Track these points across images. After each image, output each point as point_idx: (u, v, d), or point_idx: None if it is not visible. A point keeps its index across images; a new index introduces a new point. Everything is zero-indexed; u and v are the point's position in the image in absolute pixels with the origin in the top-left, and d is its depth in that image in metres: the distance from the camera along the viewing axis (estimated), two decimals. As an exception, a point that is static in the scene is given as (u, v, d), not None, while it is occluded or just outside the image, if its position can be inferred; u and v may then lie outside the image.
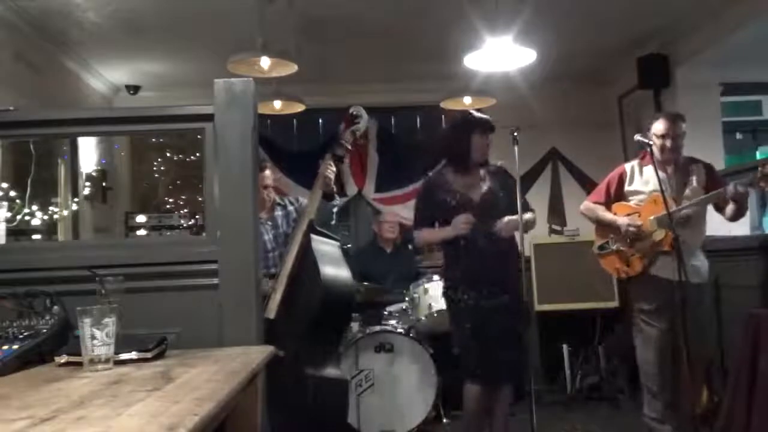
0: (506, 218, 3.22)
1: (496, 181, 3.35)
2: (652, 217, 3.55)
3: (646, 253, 3.55)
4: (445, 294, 3.42)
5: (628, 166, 3.79)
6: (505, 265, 3.27)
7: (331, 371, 2.98)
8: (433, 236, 3.40)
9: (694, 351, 3.31)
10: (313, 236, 3.01)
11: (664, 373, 3.50)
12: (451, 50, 4.50)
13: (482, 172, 3.35)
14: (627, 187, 3.71)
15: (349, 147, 3.20)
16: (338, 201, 3.39)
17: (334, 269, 2.98)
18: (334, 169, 3.17)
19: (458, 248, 3.25)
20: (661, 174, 3.53)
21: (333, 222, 3.37)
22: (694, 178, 3.63)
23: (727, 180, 3.64)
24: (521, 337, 3.36)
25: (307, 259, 2.96)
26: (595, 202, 3.77)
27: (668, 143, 3.55)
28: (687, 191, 3.61)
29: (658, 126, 3.59)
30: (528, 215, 3.37)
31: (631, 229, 3.54)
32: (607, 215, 3.69)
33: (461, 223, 3.21)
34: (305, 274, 2.94)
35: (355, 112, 3.18)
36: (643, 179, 3.68)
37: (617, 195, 3.72)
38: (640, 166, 3.72)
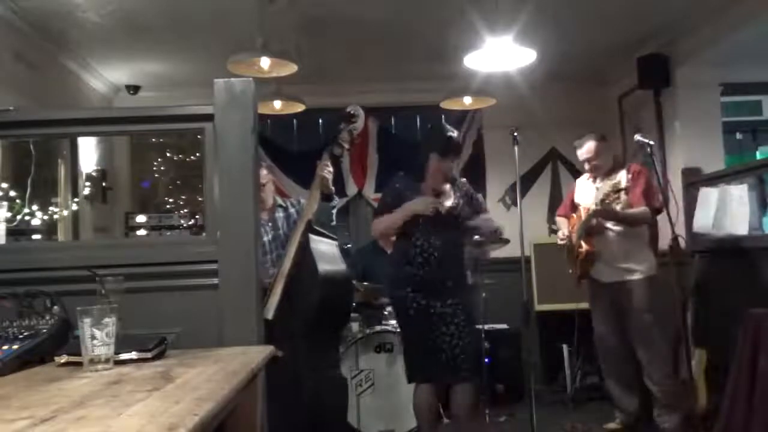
0: (480, 220, 3.43)
1: (463, 197, 3.46)
2: (578, 227, 4.04)
3: (580, 258, 4.02)
4: (393, 293, 3.48)
5: (579, 180, 4.26)
6: (461, 272, 3.41)
7: (330, 370, 2.98)
8: (391, 219, 3.39)
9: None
10: (312, 236, 3.01)
11: (609, 371, 4.11)
12: (451, 50, 4.49)
13: (447, 186, 3.46)
14: (576, 200, 4.20)
15: (347, 146, 3.19)
16: (337, 201, 3.38)
17: (333, 269, 2.98)
18: (332, 169, 3.17)
19: (413, 253, 3.32)
20: (594, 185, 4.06)
21: (333, 222, 3.37)
22: (612, 187, 3.85)
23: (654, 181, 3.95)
24: (477, 336, 3.47)
25: (305, 258, 2.96)
26: (560, 215, 4.37)
27: (586, 166, 4.09)
28: (607, 201, 3.85)
29: (579, 152, 4.10)
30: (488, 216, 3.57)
31: (561, 241, 4.15)
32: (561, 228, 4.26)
33: (428, 202, 3.29)
34: (304, 273, 2.94)
35: (352, 111, 3.17)
36: (585, 192, 4.15)
37: (573, 207, 4.22)
38: (587, 179, 4.17)
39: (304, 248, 2.98)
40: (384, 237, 3.55)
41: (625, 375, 4.06)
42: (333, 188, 3.22)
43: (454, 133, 3.44)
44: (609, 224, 3.95)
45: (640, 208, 3.87)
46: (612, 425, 4.13)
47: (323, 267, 2.93)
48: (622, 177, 3.87)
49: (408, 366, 3.40)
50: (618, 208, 3.81)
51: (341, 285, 3.01)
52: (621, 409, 4.10)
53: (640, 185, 3.88)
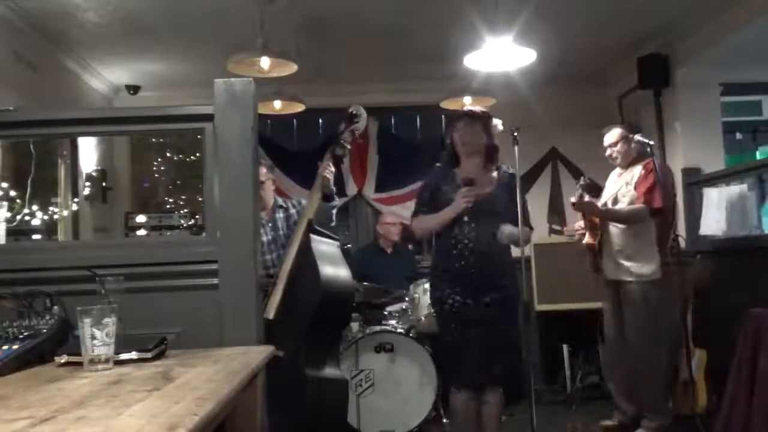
0: (509, 229, 3.14)
1: (502, 187, 3.26)
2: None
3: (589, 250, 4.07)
4: (431, 294, 3.36)
5: (613, 172, 4.18)
6: (496, 266, 3.17)
7: (330, 371, 2.97)
8: (432, 221, 3.25)
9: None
10: (313, 236, 3.00)
11: (608, 374, 4.19)
12: (451, 50, 4.49)
13: (491, 174, 3.27)
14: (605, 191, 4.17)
15: (349, 147, 3.18)
16: (337, 201, 3.37)
17: (334, 269, 2.98)
18: (333, 169, 3.16)
19: (449, 246, 3.18)
20: (615, 178, 4.06)
21: (333, 223, 3.36)
22: (629, 180, 3.95)
23: (658, 176, 3.88)
24: (513, 340, 3.29)
25: (306, 259, 2.95)
26: None
27: (606, 153, 4.09)
28: (620, 193, 3.93)
29: (604, 139, 4.12)
30: (526, 231, 3.31)
31: (578, 232, 4.15)
32: None
33: (461, 198, 3.12)
34: (305, 274, 2.94)
35: (354, 111, 3.16)
36: (609, 183, 4.14)
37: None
38: (615, 170, 4.14)
39: (305, 249, 2.97)
40: (426, 236, 3.35)
41: (624, 379, 4.04)
42: (334, 188, 3.22)
43: (475, 108, 3.37)
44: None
45: (636, 206, 3.83)
46: (608, 422, 4.14)
47: (324, 267, 2.92)
48: (636, 171, 3.87)
49: (445, 367, 3.30)
50: (627, 202, 3.81)
51: (342, 285, 3.00)
52: (620, 411, 4.10)
53: (647, 183, 3.82)
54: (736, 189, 4.45)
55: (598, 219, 3.98)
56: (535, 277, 5.14)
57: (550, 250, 5.05)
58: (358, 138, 3.23)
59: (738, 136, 6.48)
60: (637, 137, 4.02)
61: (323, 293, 2.88)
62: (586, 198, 3.88)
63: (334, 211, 3.37)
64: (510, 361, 3.31)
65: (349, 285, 3.07)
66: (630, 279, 3.87)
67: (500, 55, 3.86)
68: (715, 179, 4.69)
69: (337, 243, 3.13)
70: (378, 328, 4.29)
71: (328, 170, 3.13)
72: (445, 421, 4.32)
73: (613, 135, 4.05)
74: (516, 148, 3.29)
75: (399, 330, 4.28)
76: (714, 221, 4.51)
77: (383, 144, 6.00)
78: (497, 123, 3.31)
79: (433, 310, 3.48)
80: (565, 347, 5.05)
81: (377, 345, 4.19)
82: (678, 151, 5.03)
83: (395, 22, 4.59)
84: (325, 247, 3.03)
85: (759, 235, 4.46)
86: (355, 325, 4.45)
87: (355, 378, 4.11)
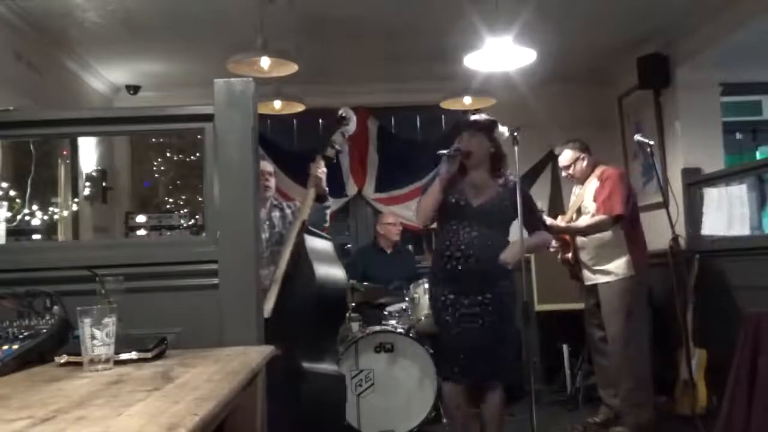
0: (510, 252, 3.16)
1: (506, 194, 3.27)
2: None
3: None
4: (429, 293, 3.43)
5: (575, 187, 4.33)
6: (492, 269, 3.18)
7: (327, 368, 2.98)
8: (430, 194, 3.26)
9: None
10: (307, 236, 3.02)
11: (595, 369, 4.32)
12: (451, 50, 4.50)
13: (494, 180, 3.29)
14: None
15: (339, 148, 3.20)
16: (330, 202, 3.39)
17: (329, 268, 2.98)
18: (325, 169, 3.17)
19: (445, 248, 3.24)
20: (577, 191, 4.21)
21: (326, 224, 3.37)
22: (587, 192, 4.08)
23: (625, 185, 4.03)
24: (510, 339, 3.30)
25: (301, 258, 2.96)
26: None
27: (563, 173, 4.24)
28: (583, 206, 4.07)
29: (559, 159, 4.26)
30: (542, 234, 3.36)
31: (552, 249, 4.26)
32: None
33: (450, 165, 3.18)
34: (300, 273, 2.95)
35: (344, 114, 3.18)
36: (572, 197, 4.31)
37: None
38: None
39: (300, 249, 2.98)
40: (429, 216, 3.28)
41: (606, 375, 4.16)
42: (327, 189, 3.23)
43: (479, 116, 3.39)
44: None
45: (596, 218, 3.93)
46: (594, 419, 4.23)
47: (319, 266, 2.93)
48: (592, 185, 4.03)
49: (437, 361, 3.40)
50: (591, 214, 3.97)
51: (338, 284, 3.01)
52: (606, 405, 4.20)
53: (604, 193, 3.93)
54: (736, 189, 4.46)
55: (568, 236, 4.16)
56: (535, 277, 5.13)
57: (550, 251, 5.04)
58: (348, 140, 3.25)
59: (738, 136, 6.47)
60: (637, 137, 4.04)
61: (319, 292, 2.88)
62: (548, 221, 3.89)
63: (328, 212, 3.38)
64: (507, 360, 3.32)
65: (343, 283, 3.08)
66: (603, 281, 4.00)
67: (500, 55, 3.86)
68: (715, 179, 4.69)
69: (330, 242, 3.15)
70: (378, 328, 4.29)
71: (320, 170, 3.14)
72: (444, 421, 4.32)
73: (564, 158, 4.17)
74: (516, 148, 3.28)
75: (399, 330, 4.28)
76: (714, 221, 4.51)
77: (383, 144, 6.00)
78: (503, 130, 3.33)
79: (430, 310, 3.54)
80: (565, 347, 5.06)
81: (377, 345, 4.19)
82: (678, 151, 5.02)
83: (395, 22, 4.59)
84: (319, 245, 3.04)
85: (759, 235, 4.46)
86: (355, 325, 4.45)
87: (355, 378, 4.11)
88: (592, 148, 4.22)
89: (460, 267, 3.18)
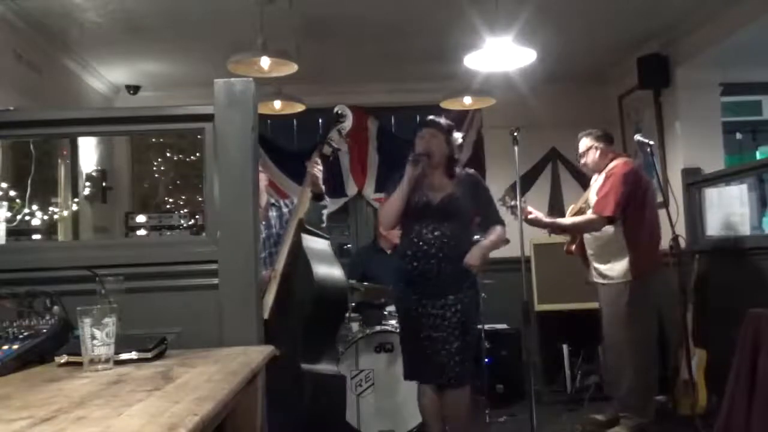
0: (477, 252, 3.20)
1: (462, 187, 3.32)
2: None
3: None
4: (394, 294, 3.51)
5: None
6: (456, 270, 3.20)
7: (327, 368, 2.98)
8: (394, 197, 3.32)
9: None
10: (304, 235, 3.01)
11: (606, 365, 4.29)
12: (451, 50, 4.50)
13: (449, 177, 3.34)
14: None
15: (335, 146, 3.20)
16: (328, 201, 3.39)
17: (327, 267, 2.98)
18: (321, 168, 3.17)
19: (410, 247, 3.26)
20: (593, 183, 4.12)
21: (323, 224, 3.37)
22: (594, 186, 4.05)
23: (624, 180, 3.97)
24: (470, 342, 3.29)
25: (299, 258, 2.96)
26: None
27: (580, 160, 4.16)
28: (590, 200, 4.03)
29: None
30: (497, 230, 3.34)
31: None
32: None
33: (414, 162, 3.22)
34: (298, 272, 2.95)
35: (340, 111, 3.18)
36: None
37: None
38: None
39: (298, 247, 2.98)
40: (394, 222, 3.34)
41: (609, 374, 4.19)
42: (324, 187, 3.23)
43: (440, 119, 3.41)
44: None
45: (586, 217, 3.93)
46: (598, 416, 4.18)
47: (317, 265, 2.93)
48: (600, 178, 3.99)
49: (403, 363, 3.39)
50: (589, 211, 3.95)
51: (336, 283, 3.01)
52: (613, 406, 4.14)
53: (602, 191, 3.90)
54: (736, 189, 4.46)
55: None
56: (535, 277, 5.14)
57: (550, 250, 5.04)
58: (346, 137, 3.25)
59: (738, 136, 6.48)
60: (637, 137, 4.04)
61: (317, 291, 2.89)
62: (531, 215, 3.83)
63: (325, 212, 3.38)
64: (467, 361, 3.29)
65: (342, 282, 3.08)
66: (602, 282, 4.00)
67: (500, 55, 3.86)
68: (715, 179, 4.69)
69: (327, 241, 3.15)
70: (378, 328, 4.29)
71: (317, 168, 3.14)
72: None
73: (581, 145, 4.13)
74: (516, 148, 3.29)
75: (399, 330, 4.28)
76: (714, 221, 4.51)
77: (383, 144, 6.00)
78: (458, 136, 3.41)
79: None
80: (565, 347, 5.06)
81: (377, 345, 4.19)
82: (678, 151, 5.02)
83: (395, 22, 4.59)
84: (316, 245, 3.04)
85: (759, 235, 4.46)
86: (355, 325, 4.45)
87: (355, 378, 4.11)
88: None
89: (423, 267, 3.21)
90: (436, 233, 3.22)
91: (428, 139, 3.30)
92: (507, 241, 3.53)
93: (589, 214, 3.90)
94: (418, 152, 3.27)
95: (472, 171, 3.46)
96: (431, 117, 3.43)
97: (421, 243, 3.22)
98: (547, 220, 4.01)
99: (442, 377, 3.23)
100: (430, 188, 3.32)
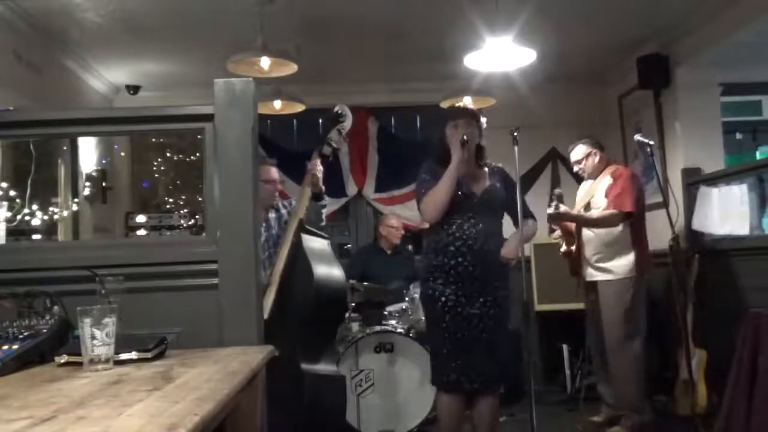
0: (511, 246, 3.13)
1: (496, 179, 3.28)
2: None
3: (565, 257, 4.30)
4: (422, 291, 3.28)
5: (583, 183, 4.39)
6: (493, 265, 3.10)
7: (327, 368, 2.98)
8: (440, 186, 3.07)
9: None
10: (304, 235, 3.01)
11: (594, 367, 4.39)
12: (451, 50, 4.49)
13: (481, 170, 3.29)
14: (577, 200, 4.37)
15: (335, 146, 3.20)
16: (327, 201, 3.38)
17: (326, 267, 2.98)
18: (321, 168, 3.17)
19: (447, 242, 3.10)
20: (587, 188, 4.26)
21: (322, 223, 3.37)
22: (599, 188, 4.14)
23: (635, 181, 4.14)
24: (509, 341, 3.25)
25: (298, 257, 2.96)
26: None
27: (574, 168, 4.30)
28: (593, 201, 4.14)
29: (571, 155, 4.31)
30: (530, 224, 3.30)
31: (554, 239, 4.37)
32: None
33: (459, 150, 3.04)
34: (297, 272, 2.94)
35: (340, 111, 3.17)
36: (580, 193, 4.35)
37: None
38: (586, 181, 4.34)
39: (297, 247, 2.98)
40: (440, 212, 3.07)
41: (606, 374, 4.19)
42: (323, 187, 3.22)
43: (468, 106, 3.39)
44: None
45: (607, 212, 3.98)
46: (595, 418, 4.25)
47: (317, 265, 2.93)
48: (605, 180, 4.07)
49: (432, 368, 3.21)
50: (600, 210, 4.02)
51: (336, 283, 3.00)
52: (607, 404, 4.23)
53: (616, 189, 3.98)
54: (736, 189, 4.45)
55: (574, 226, 4.18)
56: (535, 277, 5.14)
57: (550, 250, 5.03)
58: (346, 137, 3.25)
59: (738, 136, 6.47)
60: (637, 137, 4.05)
61: (317, 291, 2.88)
62: (562, 208, 4.02)
63: (324, 211, 3.38)
64: (507, 363, 3.27)
65: (342, 282, 3.07)
66: (604, 279, 4.03)
67: (500, 55, 3.86)
68: (715, 179, 4.69)
69: (327, 241, 3.14)
70: (378, 328, 4.29)
71: (317, 168, 3.14)
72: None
73: (577, 153, 4.25)
74: (516, 148, 3.29)
75: (399, 330, 4.28)
76: (714, 221, 4.51)
77: (383, 144, 6.00)
78: (484, 121, 3.37)
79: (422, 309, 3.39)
80: (565, 347, 5.06)
81: (377, 345, 4.19)
82: (678, 151, 5.02)
83: (395, 22, 4.59)
84: (316, 244, 3.04)
85: (759, 235, 4.46)
86: (355, 325, 4.45)
87: (355, 378, 4.11)
88: (593, 148, 4.25)
89: (466, 263, 3.07)
90: (479, 227, 3.09)
91: (465, 127, 3.15)
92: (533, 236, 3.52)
93: (610, 210, 3.97)
94: (464, 135, 3.08)
95: (500, 164, 3.35)
96: (461, 105, 3.38)
97: (465, 237, 3.08)
98: (575, 213, 4.15)
99: (475, 384, 3.09)
100: (470, 179, 3.20)
